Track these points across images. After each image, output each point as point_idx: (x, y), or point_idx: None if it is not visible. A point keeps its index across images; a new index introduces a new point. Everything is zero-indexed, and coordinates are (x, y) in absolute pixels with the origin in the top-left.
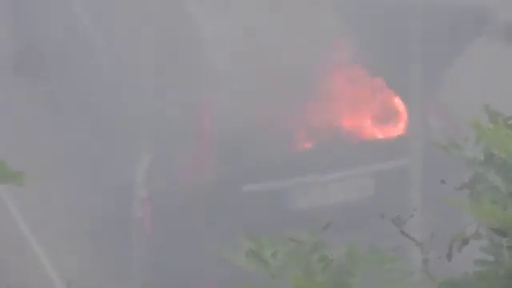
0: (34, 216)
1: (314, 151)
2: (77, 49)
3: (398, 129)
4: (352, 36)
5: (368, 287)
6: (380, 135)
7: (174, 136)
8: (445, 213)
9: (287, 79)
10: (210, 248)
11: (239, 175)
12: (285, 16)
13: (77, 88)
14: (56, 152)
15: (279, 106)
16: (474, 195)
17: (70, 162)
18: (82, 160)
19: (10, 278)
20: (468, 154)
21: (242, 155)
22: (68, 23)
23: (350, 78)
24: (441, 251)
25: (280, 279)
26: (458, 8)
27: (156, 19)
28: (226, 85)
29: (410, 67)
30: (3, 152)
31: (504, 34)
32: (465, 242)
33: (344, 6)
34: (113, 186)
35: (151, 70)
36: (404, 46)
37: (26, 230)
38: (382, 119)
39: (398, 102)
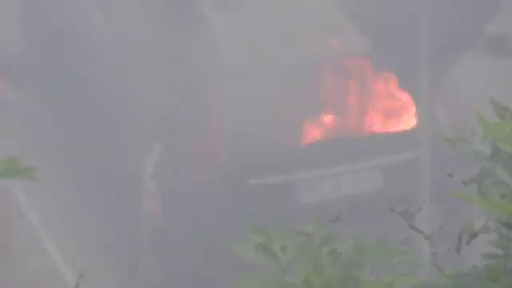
0: (45, 213)
1: (324, 145)
2: (89, 47)
3: (406, 122)
4: (362, 30)
5: (377, 280)
6: (389, 129)
7: (182, 130)
8: (453, 206)
9: (296, 73)
10: (218, 241)
11: (249, 168)
12: (294, 10)
13: (89, 85)
14: (68, 150)
15: (289, 100)
16: (482, 189)
17: (82, 159)
18: (95, 158)
19: (23, 274)
20: (476, 147)
21: (252, 148)
22: (81, 22)
23: (359, 72)
24: (449, 244)
25: (289, 273)
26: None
27: (168, 17)
28: (235, 79)
29: (418, 61)
30: (16, 151)
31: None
32: (473, 235)
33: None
34: (123, 181)
35: (163, 68)
36: (413, 40)
37: (38, 227)
38: (390, 113)
39: (406, 95)
